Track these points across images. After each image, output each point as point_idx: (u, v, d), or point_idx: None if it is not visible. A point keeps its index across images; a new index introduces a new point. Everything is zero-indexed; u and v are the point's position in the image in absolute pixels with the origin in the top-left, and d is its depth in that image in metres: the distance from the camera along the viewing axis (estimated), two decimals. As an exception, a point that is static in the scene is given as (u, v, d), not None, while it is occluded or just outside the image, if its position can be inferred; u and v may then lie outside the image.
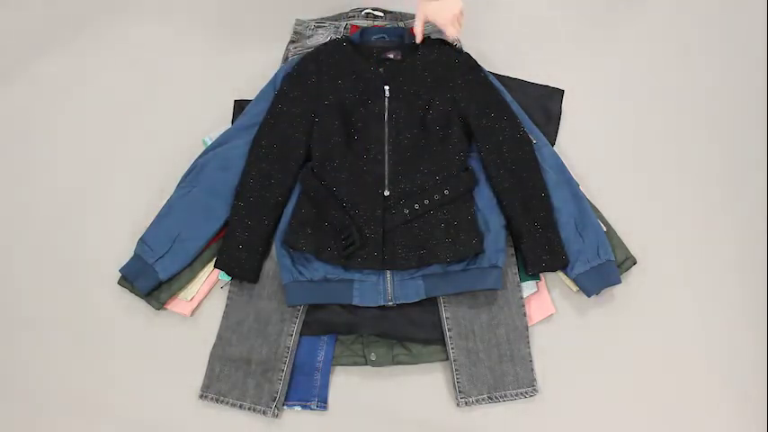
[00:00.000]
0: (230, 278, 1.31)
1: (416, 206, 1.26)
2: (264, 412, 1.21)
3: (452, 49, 1.40)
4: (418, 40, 1.39)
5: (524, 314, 1.27)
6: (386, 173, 1.29)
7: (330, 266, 1.24)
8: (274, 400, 1.21)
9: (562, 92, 1.50)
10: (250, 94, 1.42)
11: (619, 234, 1.34)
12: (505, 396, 1.23)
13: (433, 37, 1.43)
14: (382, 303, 1.23)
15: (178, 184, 1.33)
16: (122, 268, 1.28)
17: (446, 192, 1.26)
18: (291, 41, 1.56)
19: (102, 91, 1.57)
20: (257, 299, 1.29)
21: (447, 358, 1.25)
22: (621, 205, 1.39)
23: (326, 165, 1.30)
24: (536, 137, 1.34)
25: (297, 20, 1.59)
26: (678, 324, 1.31)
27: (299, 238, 1.24)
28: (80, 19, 1.67)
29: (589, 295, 1.26)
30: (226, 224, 1.31)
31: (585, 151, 1.45)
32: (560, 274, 1.31)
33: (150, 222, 1.30)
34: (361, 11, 1.60)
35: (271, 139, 1.33)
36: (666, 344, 1.29)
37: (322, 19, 1.59)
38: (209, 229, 1.30)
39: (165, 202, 1.32)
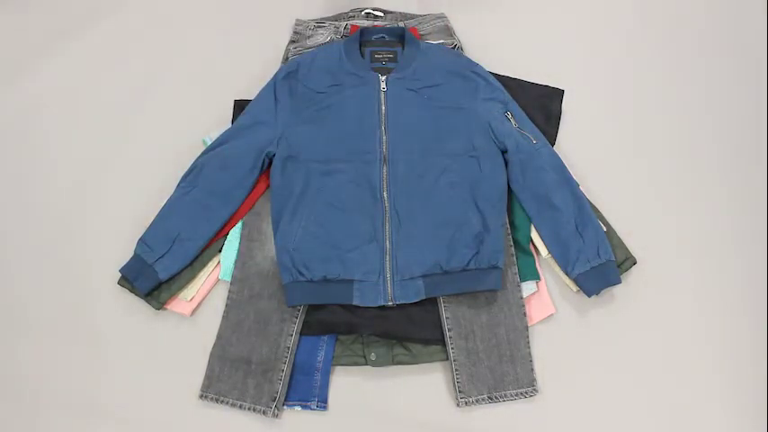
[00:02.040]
0: (231, 278, 1.31)
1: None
2: (264, 412, 1.21)
3: (451, 51, 1.40)
4: None
5: (524, 314, 1.27)
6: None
7: (330, 265, 1.24)
8: (274, 400, 1.21)
9: (562, 92, 1.50)
10: (250, 94, 1.42)
11: (619, 234, 1.34)
12: (505, 396, 1.22)
13: (432, 41, 1.43)
14: (382, 303, 1.23)
15: (178, 184, 1.33)
16: (122, 268, 1.28)
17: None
18: (291, 41, 1.56)
19: (102, 91, 1.57)
20: (257, 299, 1.29)
21: (447, 358, 1.25)
22: (621, 205, 1.39)
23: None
24: (536, 137, 1.34)
25: (297, 20, 1.59)
26: (678, 324, 1.31)
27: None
28: (80, 19, 1.67)
29: (589, 295, 1.26)
30: (226, 224, 1.31)
31: (585, 151, 1.45)
32: (560, 273, 1.31)
33: (150, 222, 1.30)
34: (361, 11, 1.59)
35: None
36: (666, 344, 1.29)
37: (322, 19, 1.59)
38: (210, 229, 1.30)
39: (165, 202, 1.32)
